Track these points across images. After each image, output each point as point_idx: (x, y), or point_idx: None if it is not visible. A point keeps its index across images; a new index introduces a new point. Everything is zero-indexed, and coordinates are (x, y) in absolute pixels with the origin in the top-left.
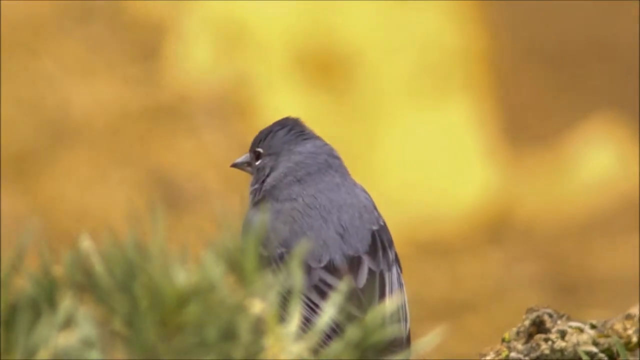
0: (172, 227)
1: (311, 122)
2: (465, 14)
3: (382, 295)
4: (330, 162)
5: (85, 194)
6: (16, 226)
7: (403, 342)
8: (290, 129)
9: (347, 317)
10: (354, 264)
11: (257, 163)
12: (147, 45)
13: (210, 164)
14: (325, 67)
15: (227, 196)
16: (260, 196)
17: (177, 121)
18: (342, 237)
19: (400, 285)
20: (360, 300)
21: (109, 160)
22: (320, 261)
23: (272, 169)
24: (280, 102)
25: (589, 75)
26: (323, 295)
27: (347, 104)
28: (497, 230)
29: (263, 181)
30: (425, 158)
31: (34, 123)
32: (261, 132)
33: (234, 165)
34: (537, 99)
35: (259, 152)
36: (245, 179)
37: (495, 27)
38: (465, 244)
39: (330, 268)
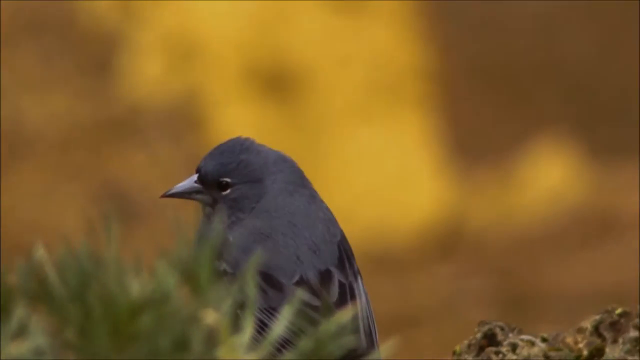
0: (125, 240)
1: (262, 136)
2: (415, 31)
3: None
4: (301, 177)
5: (37, 206)
6: None
7: (366, 352)
8: (258, 152)
9: (302, 329)
10: (325, 278)
11: (225, 193)
12: (99, 58)
13: (162, 176)
14: (277, 81)
15: (179, 209)
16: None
17: (129, 134)
18: (314, 252)
19: (367, 295)
20: (334, 313)
21: (60, 173)
22: (292, 277)
23: (260, 196)
24: (232, 116)
25: (536, 93)
26: (298, 312)
27: (298, 118)
28: (447, 244)
29: (253, 208)
30: (376, 172)
31: None
32: (217, 161)
33: (174, 195)
34: (486, 115)
35: (226, 182)
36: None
37: (444, 44)
38: (415, 259)
39: (303, 284)
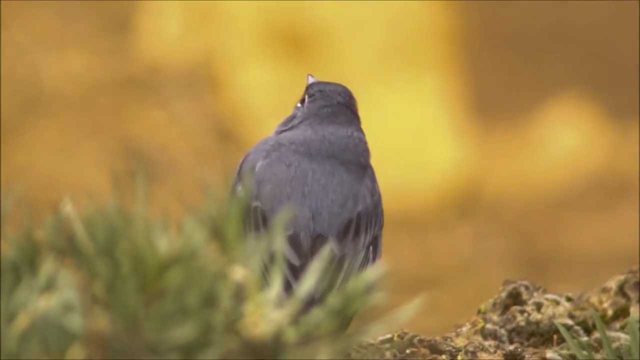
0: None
1: (280, 96)
2: None
3: (333, 280)
4: (362, 147)
5: (55, 163)
6: None
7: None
8: (326, 97)
9: (327, 285)
10: (317, 243)
11: (298, 105)
12: (118, 17)
13: (180, 135)
14: (296, 42)
15: (196, 167)
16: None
17: (148, 93)
18: (313, 217)
19: (359, 272)
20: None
21: (79, 130)
22: (285, 230)
23: (291, 127)
24: (250, 76)
25: (554, 55)
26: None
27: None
28: (465, 205)
29: (283, 131)
30: (394, 134)
31: (4, 93)
32: (321, 86)
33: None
34: (504, 77)
35: (304, 98)
36: (215, 152)
37: (463, 7)
38: (434, 219)
39: (291, 241)
